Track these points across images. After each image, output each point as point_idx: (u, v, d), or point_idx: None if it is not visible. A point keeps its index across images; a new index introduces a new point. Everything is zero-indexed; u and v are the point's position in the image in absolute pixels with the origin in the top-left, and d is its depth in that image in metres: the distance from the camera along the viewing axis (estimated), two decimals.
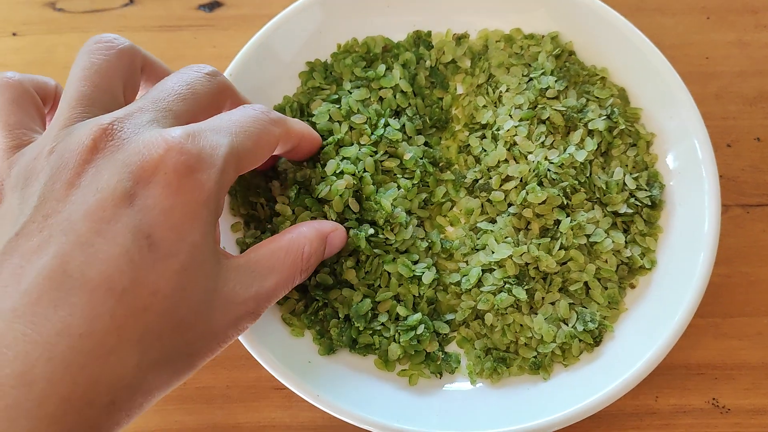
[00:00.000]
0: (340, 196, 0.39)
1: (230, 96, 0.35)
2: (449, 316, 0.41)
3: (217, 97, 0.34)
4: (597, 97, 0.44)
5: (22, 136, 0.31)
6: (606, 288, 0.40)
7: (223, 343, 0.31)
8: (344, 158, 0.41)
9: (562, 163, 0.41)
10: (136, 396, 0.27)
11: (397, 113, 0.45)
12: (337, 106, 0.44)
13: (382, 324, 0.39)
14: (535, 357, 0.39)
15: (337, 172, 0.40)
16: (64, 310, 0.24)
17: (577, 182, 0.41)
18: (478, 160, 0.44)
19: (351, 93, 0.44)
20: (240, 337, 0.37)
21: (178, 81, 0.32)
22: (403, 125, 0.44)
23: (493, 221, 0.42)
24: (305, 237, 0.35)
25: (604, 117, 0.43)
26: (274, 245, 0.34)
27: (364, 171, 0.40)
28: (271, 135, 0.33)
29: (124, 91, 0.33)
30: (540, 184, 0.41)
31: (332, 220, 0.40)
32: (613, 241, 0.40)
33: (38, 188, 0.27)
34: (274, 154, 0.38)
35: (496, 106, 0.45)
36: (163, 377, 0.28)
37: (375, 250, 0.40)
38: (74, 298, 0.25)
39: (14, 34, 0.52)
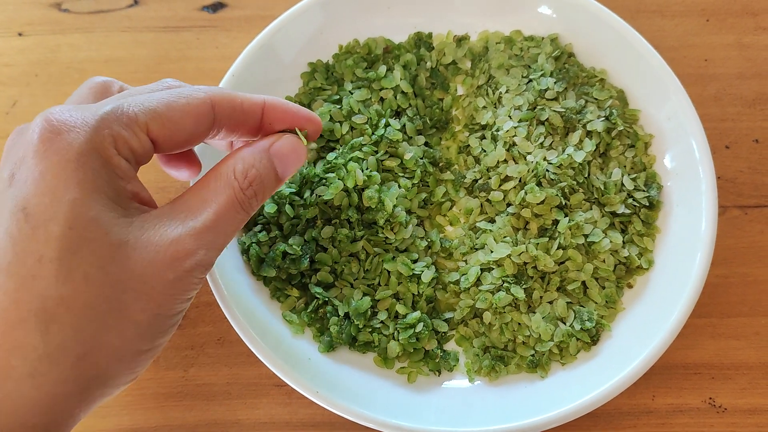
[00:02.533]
0: (345, 190, 0.39)
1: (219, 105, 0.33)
2: (448, 315, 0.41)
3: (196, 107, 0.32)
4: (596, 99, 0.44)
5: None
6: (603, 287, 0.41)
7: (171, 291, 0.29)
8: (331, 163, 0.41)
9: (561, 164, 0.41)
10: (64, 363, 0.27)
11: (397, 114, 0.45)
12: (339, 106, 0.44)
13: (382, 322, 0.40)
14: (532, 355, 0.39)
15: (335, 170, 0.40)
16: None
17: (575, 183, 0.41)
18: (477, 161, 0.44)
19: (352, 93, 0.45)
20: (240, 334, 0.38)
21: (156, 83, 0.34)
22: (404, 125, 0.44)
23: (492, 221, 0.43)
24: (233, 156, 0.32)
25: (603, 118, 0.43)
26: (202, 178, 0.32)
27: (368, 170, 0.41)
28: (191, 97, 0.31)
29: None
30: (539, 184, 0.41)
31: (330, 216, 0.40)
32: (610, 241, 0.41)
33: None
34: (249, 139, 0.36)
35: (495, 107, 0.45)
36: (104, 338, 0.28)
37: (375, 249, 0.40)
38: None
39: (20, 35, 0.53)
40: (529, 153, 0.43)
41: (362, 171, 0.41)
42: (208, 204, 0.30)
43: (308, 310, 0.40)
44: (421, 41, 0.48)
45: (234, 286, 0.39)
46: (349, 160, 0.41)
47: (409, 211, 0.42)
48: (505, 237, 0.41)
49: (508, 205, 0.42)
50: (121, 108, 0.29)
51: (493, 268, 0.41)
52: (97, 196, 0.28)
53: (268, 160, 0.33)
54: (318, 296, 0.40)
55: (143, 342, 0.29)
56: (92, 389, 0.28)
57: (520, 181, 0.42)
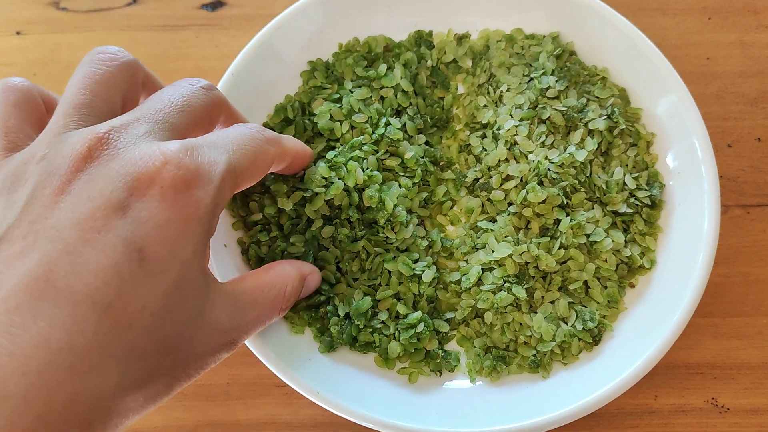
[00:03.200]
0: (345, 190, 0.39)
1: (225, 111, 0.35)
2: (449, 315, 0.41)
3: (212, 111, 0.34)
4: (597, 97, 0.44)
5: (18, 141, 0.30)
6: (605, 287, 0.41)
7: (200, 370, 0.30)
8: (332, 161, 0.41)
9: (563, 163, 0.41)
10: (112, 417, 0.25)
11: (398, 112, 0.45)
12: (339, 105, 0.44)
13: (383, 322, 0.40)
14: (534, 355, 0.39)
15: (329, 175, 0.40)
16: (44, 321, 0.23)
17: (577, 182, 0.41)
18: (478, 160, 0.44)
19: (352, 92, 0.45)
20: None
21: (175, 93, 0.32)
22: (404, 124, 0.44)
23: (493, 220, 0.43)
24: (289, 276, 0.35)
25: (605, 117, 0.43)
26: (260, 280, 0.34)
27: (368, 169, 0.41)
28: (267, 154, 0.33)
29: (123, 105, 0.33)
30: (540, 183, 0.41)
31: (330, 216, 0.40)
32: (612, 241, 0.40)
33: (25, 193, 0.26)
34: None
35: (496, 106, 0.45)
36: (140, 400, 0.27)
37: (376, 249, 0.40)
38: (56, 310, 0.23)
39: (18, 33, 0.52)
40: (530, 152, 0.42)
41: (363, 170, 0.40)
42: (257, 307, 0.33)
43: (308, 303, 0.40)
44: (422, 40, 0.48)
45: None
46: (349, 159, 0.41)
47: (409, 211, 0.42)
48: (506, 236, 0.41)
49: (510, 204, 0.42)
50: (231, 165, 0.30)
51: (494, 268, 0.41)
52: (200, 259, 0.28)
53: (302, 287, 0.37)
54: (323, 293, 0.40)
55: (161, 402, 0.29)
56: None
57: (521, 180, 0.42)
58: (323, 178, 0.40)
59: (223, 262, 0.40)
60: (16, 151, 0.30)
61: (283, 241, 0.40)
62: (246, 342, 0.37)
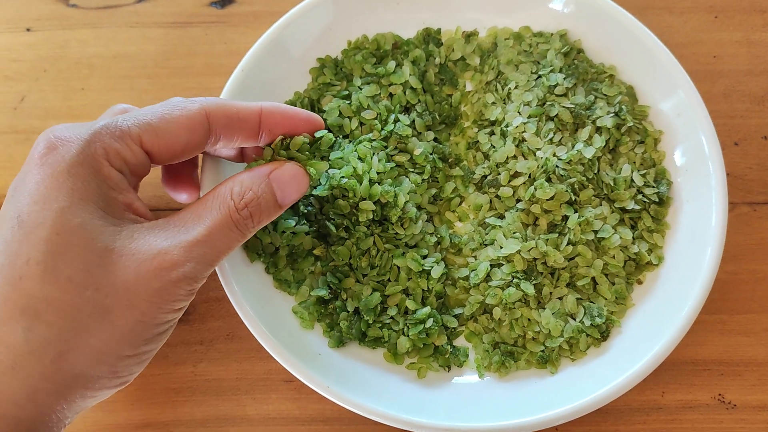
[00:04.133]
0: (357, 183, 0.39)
1: (215, 116, 0.35)
2: (458, 311, 0.41)
3: (193, 120, 0.34)
4: (605, 95, 0.44)
5: None
6: (613, 283, 0.41)
7: (155, 299, 0.30)
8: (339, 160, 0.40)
9: (570, 160, 0.41)
10: (45, 359, 0.29)
11: (406, 109, 0.45)
12: (348, 101, 0.44)
13: (392, 317, 0.40)
14: (542, 351, 0.39)
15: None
16: None
17: (585, 178, 0.41)
18: (486, 157, 0.44)
19: (361, 89, 0.45)
20: (251, 330, 0.38)
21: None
22: (413, 121, 0.44)
23: (501, 217, 0.43)
24: (234, 179, 0.34)
25: (612, 114, 0.43)
26: (200, 198, 0.34)
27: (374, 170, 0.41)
28: (184, 109, 0.33)
29: None
30: (548, 180, 0.41)
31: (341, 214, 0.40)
32: (620, 237, 0.41)
33: None
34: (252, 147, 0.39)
35: (504, 103, 0.45)
36: (85, 338, 0.29)
37: (385, 245, 0.40)
38: None
39: (28, 30, 0.53)
40: (538, 149, 0.42)
41: (375, 162, 0.41)
42: (202, 220, 0.32)
43: (318, 290, 0.40)
44: (430, 37, 0.48)
45: (244, 282, 0.39)
46: (356, 148, 0.41)
47: (419, 207, 0.42)
48: (514, 233, 0.41)
49: (518, 201, 0.42)
50: (114, 122, 0.32)
51: (502, 264, 0.41)
52: (85, 205, 0.30)
53: (267, 185, 0.34)
54: (332, 286, 0.40)
55: (125, 347, 0.31)
56: (73, 388, 0.30)
57: (529, 177, 0.42)
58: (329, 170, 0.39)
59: (234, 256, 0.40)
60: None
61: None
62: (256, 337, 0.38)
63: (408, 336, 0.39)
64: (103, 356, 0.30)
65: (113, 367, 0.31)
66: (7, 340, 0.28)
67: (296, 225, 0.40)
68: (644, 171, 0.43)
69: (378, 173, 0.40)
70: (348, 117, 0.44)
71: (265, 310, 0.39)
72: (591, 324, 0.39)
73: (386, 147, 0.42)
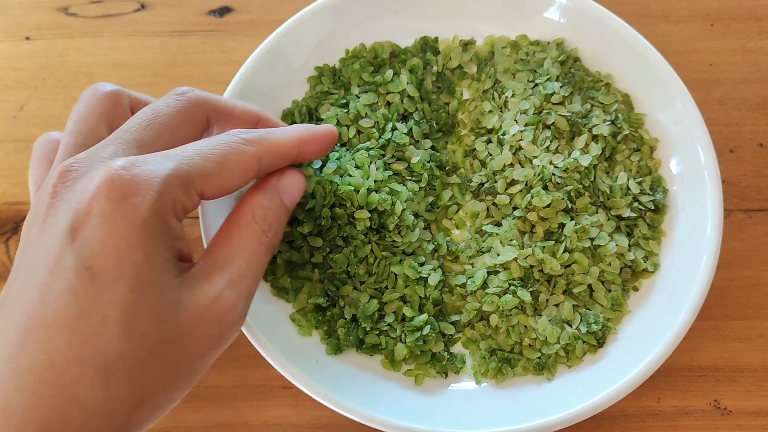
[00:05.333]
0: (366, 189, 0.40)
1: (210, 109, 0.35)
2: (455, 318, 0.41)
3: (190, 115, 0.34)
4: (601, 103, 0.45)
5: (86, 145, 0.33)
6: (609, 290, 0.41)
7: (214, 345, 0.31)
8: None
9: (567, 168, 0.42)
10: (118, 415, 0.28)
11: (404, 118, 0.46)
12: (346, 110, 0.44)
13: (389, 324, 0.40)
14: (539, 358, 0.40)
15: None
16: (31, 347, 0.27)
17: (581, 186, 0.41)
18: (483, 164, 0.45)
19: (359, 98, 0.45)
20: (249, 337, 0.38)
21: (144, 110, 0.33)
22: (411, 129, 0.45)
23: (498, 224, 0.43)
24: (249, 202, 0.34)
25: (609, 122, 0.43)
26: (225, 227, 0.33)
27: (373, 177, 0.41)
28: (241, 155, 0.33)
29: (111, 131, 0.34)
30: (545, 188, 0.41)
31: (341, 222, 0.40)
32: (616, 245, 0.41)
33: (23, 236, 0.31)
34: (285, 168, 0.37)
35: (501, 111, 0.45)
36: (154, 391, 0.29)
37: (383, 253, 0.41)
38: (37, 336, 0.27)
39: (27, 39, 0.53)
40: (535, 157, 0.43)
41: (373, 170, 0.41)
42: (238, 252, 0.32)
43: (315, 297, 0.40)
44: (428, 46, 0.48)
45: None
46: (353, 157, 0.41)
47: (416, 215, 0.43)
48: (511, 240, 0.42)
49: (515, 208, 0.43)
50: (180, 171, 0.30)
51: (499, 271, 0.41)
52: (156, 260, 0.29)
53: (279, 197, 0.35)
54: (330, 293, 0.40)
55: (182, 392, 0.31)
56: None
57: (526, 184, 0.42)
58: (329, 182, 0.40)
59: None
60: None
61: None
62: (254, 344, 0.38)
63: (405, 343, 0.40)
64: (164, 404, 0.30)
65: (165, 411, 0.31)
66: (82, 399, 0.27)
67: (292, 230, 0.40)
68: (640, 179, 0.43)
69: (375, 181, 0.41)
70: (346, 125, 0.44)
71: (262, 318, 0.39)
72: (587, 331, 0.40)
73: (384, 155, 0.43)
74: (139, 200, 0.28)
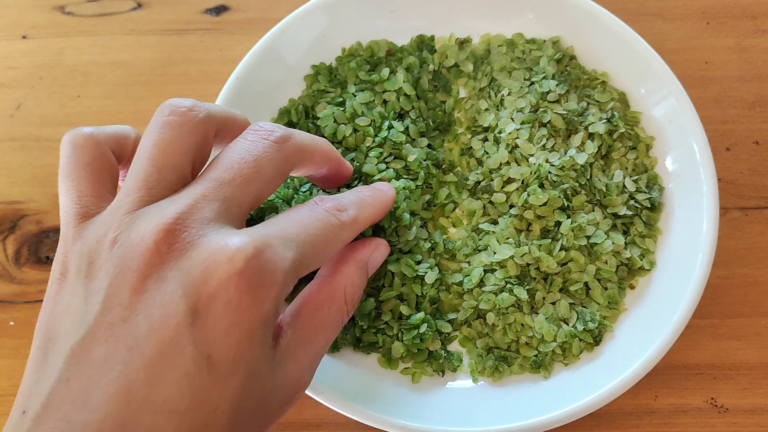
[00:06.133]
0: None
1: (300, 161, 0.33)
2: (451, 316, 0.41)
3: (286, 168, 0.32)
4: (597, 101, 0.45)
5: (91, 205, 0.30)
6: (606, 288, 0.41)
7: (284, 413, 0.31)
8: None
9: (563, 166, 0.42)
10: None
11: (400, 116, 0.46)
12: (342, 108, 0.44)
13: (386, 323, 0.40)
14: (535, 356, 0.40)
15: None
16: (129, 430, 0.25)
17: (577, 184, 0.42)
18: (480, 163, 0.45)
19: (355, 96, 0.45)
20: None
21: (243, 154, 0.30)
22: (407, 128, 0.44)
23: (494, 222, 0.43)
24: (344, 276, 0.34)
25: (605, 120, 0.43)
26: (316, 300, 0.32)
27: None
28: (339, 242, 0.32)
29: (194, 165, 0.31)
30: (541, 186, 0.41)
31: None
32: (612, 243, 0.41)
33: (103, 286, 0.27)
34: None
35: (498, 110, 0.45)
36: None
37: None
38: (138, 418, 0.25)
39: (24, 37, 0.53)
40: (531, 155, 0.43)
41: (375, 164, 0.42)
42: (322, 331, 0.32)
43: None
44: (424, 44, 0.48)
45: None
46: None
47: (412, 213, 0.43)
48: (507, 238, 0.42)
49: (511, 206, 0.43)
50: (299, 263, 0.29)
51: (496, 270, 0.41)
52: (265, 350, 0.28)
53: (366, 273, 0.36)
54: None
55: None
56: None
57: (522, 183, 0.42)
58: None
59: None
60: (89, 217, 0.30)
61: None
62: None
63: (402, 341, 0.40)
64: None
65: None
66: None
67: None
68: (636, 177, 0.43)
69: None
70: (342, 124, 0.44)
71: None
72: (584, 329, 0.40)
73: (381, 153, 0.43)
74: (265, 294, 0.27)
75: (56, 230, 0.46)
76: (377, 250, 0.37)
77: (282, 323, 0.31)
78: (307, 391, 0.37)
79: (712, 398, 0.42)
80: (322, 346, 0.32)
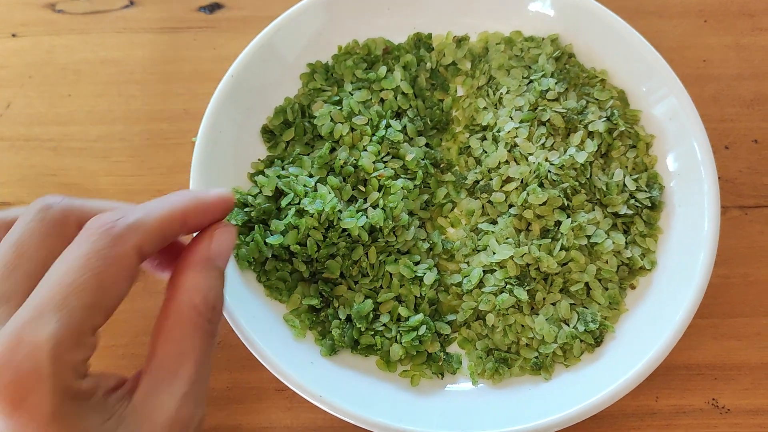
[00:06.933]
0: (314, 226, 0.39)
1: (80, 218, 0.30)
2: (450, 317, 0.41)
3: (59, 236, 0.29)
4: (597, 99, 0.44)
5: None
6: (607, 288, 0.41)
7: None
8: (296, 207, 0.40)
9: (563, 165, 0.41)
10: None
11: (398, 115, 0.45)
12: (339, 107, 0.44)
13: (384, 325, 0.40)
14: (536, 357, 0.39)
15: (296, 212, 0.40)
16: None
17: (577, 183, 0.41)
18: (478, 162, 0.44)
19: (352, 95, 0.44)
20: (242, 338, 0.37)
21: (4, 246, 0.29)
22: (405, 127, 0.44)
23: (494, 222, 0.43)
24: (184, 288, 0.30)
25: (604, 119, 0.43)
26: (162, 325, 0.29)
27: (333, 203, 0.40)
28: (118, 261, 0.27)
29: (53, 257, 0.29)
30: (540, 185, 0.41)
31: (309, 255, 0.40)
32: (613, 242, 0.40)
33: None
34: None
35: (496, 108, 0.45)
36: None
37: (378, 258, 0.40)
38: None
39: (14, 35, 0.52)
40: (530, 154, 0.42)
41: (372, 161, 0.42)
42: (186, 358, 0.28)
43: (309, 298, 0.40)
44: (421, 42, 0.48)
45: (235, 290, 0.39)
46: (317, 182, 0.41)
47: (411, 213, 0.42)
48: (507, 238, 0.41)
49: (510, 206, 0.42)
50: (62, 334, 0.25)
51: (495, 270, 0.41)
52: (71, 419, 0.25)
53: (214, 268, 0.31)
54: (324, 294, 0.40)
55: None
56: None
57: (521, 182, 0.42)
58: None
59: None
60: None
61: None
62: (248, 346, 0.37)
63: (401, 343, 0.39)
64: None
65: None
66: None
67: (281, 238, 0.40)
68: (636, 175, 0.43)
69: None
70: (339, 123, 0.43)
71: (256, 319, 0.38)
72: (585, 330, 0.39)
73: (378, 153, 0.42)
74: (37, 399, 0.24)
75: None
76: (217, 237, 0.32)
77: (141, 372, 0.29)
78: (303, 395, 0.36)
79: (714, 399, 0.41)
80: (193, 374, 0.28)
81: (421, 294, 0.40)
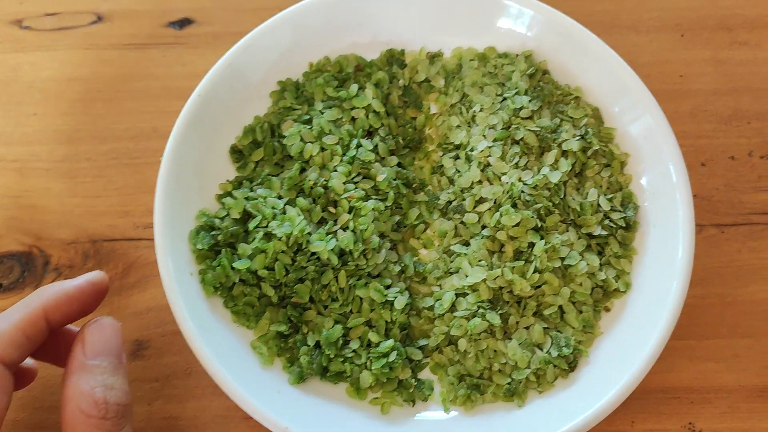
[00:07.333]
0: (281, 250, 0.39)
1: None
2: (422, 342, 0.40)
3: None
4: (571, 117, 0.44)
5: None
6: (581, 312, 0.40)
7: None
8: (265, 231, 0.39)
9: (536, 185, 0.40)
10: None
11: (369, 134, 0.44)
12: (309, 126, 0.43)
13: (354, 351, 0.39)
14: (509, 383, 0.38)
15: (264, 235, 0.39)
16: None
17: (551, 204, 0.40)
18: (451, 182, 0.43)
19: (323, 113, 0.44)
20: (205, 366, 0.36)
21: None
22: (376, 146, 0.43)
23: (466, 244, 0.42)
24: (71, 398, 0.30)
25: (578, 137, 0.42)
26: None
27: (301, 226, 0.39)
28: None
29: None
30: (514, 206, 0.40)
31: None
32: (587, 264, 0.40)
33: None
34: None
35: (469, 126, 0.44)
36: None
37: (348, 282, 0.39)
38: None
39: None
40: (504, 173, 0.42)
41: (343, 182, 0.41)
42: None
43: (277, 324, 0.39)
44: (394, 58, 0.47)
45: (200, 316, 0.38)
46: (286, 203, 0.40)
47: (382, 235, 0.41)
48: (480, 260, 0.40)
49: (483, 227, 0.41)
50: None
51: (468, 293, 0.40)
52: None
53: (97, 366, 0.31)
54: (292, 319, 0.39)
55: None
56: None
57: (495, 202, 0.41)
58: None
59: (188, 290, 0.38)
60: None
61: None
62: (210, 374, 0.36)
63: (371, 370, 0.38)
64: None
65: None
66: None
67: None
68: (611, 195, 0.42)
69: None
70: (309, 142, 0.42)
71: (221, 346, 0.37)
72: (558, 354, 0.38)
73: (349, 173, 0.41)
74: None
75: (9, 255, 0.44)
76: (88, 338, 0.32)
77: None
78: (268, 427, 0.35)
79: (690, 423, 0.40)
80: None
81: (392, 319, 0.39)
